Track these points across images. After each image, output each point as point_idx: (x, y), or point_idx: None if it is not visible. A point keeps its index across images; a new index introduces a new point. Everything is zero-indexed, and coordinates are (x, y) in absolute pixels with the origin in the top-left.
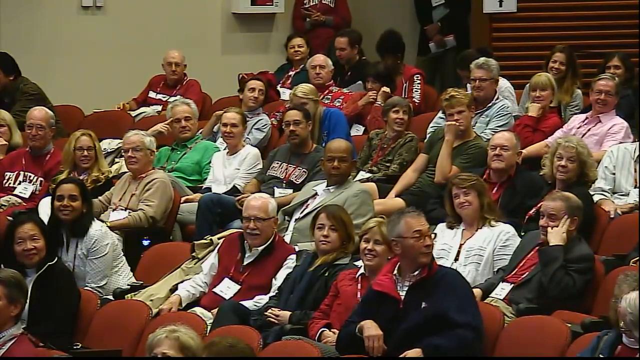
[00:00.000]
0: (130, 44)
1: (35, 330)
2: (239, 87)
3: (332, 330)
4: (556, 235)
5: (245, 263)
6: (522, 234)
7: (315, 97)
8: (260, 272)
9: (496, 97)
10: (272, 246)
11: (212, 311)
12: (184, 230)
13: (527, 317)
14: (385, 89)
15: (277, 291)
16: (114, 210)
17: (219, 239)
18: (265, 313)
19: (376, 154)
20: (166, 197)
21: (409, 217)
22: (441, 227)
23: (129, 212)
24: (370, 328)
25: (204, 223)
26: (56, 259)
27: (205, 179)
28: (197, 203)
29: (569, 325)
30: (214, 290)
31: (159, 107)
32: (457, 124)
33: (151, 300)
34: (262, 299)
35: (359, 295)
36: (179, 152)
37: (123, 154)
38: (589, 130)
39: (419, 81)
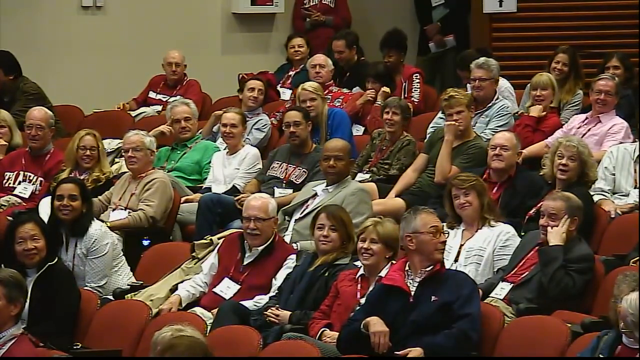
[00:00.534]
0: (130, 44)
1: (36, 330)
2: (239, 87)
3: (333, 330)
4: (556, 235)
5: (245, 263)
6: (522, 234)
7: (322, 95)
8: (260, 272)
9: (496, 97)
10: (272, 246)
11: (212, 311)
12: (184, 230)
13: (527, 317)
14: (385, 89)
15: (277, 291)
16: (113, 210)
17: (219, 239)
18: (265, 313)
19: (375, 155)
20: (166, 197)
21: (424, 214)
22: (445, 228)
23: (129, 212)
24: (376, 324)
25: (204, 223)
26: (56, 259)
27: (205, 178)
28: (197, 203)
29: (569, 325)
30: (214, 290)
31: (159, 107)
32: (457, 124)
33: (151, 300)
34: (262, 299)
35: (358, 296)
36: (178, 152)
37: (123, 153)
38: (589, 130)
39: (418, 80)
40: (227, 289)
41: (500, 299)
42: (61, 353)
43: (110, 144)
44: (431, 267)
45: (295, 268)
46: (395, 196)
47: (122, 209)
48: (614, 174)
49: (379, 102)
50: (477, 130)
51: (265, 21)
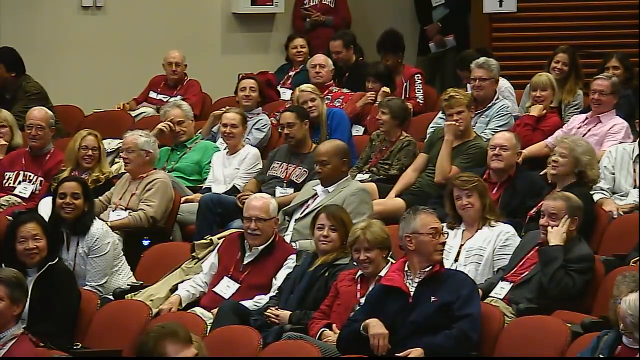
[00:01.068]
0: (130, 44)
1: (36, 329)
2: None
3: (333, 330)
4: (556, 235)
5: (245, 262)
6: (522, 234)
7: (320, 95)
8: (260, 272)
9: (496, 97)
10: (273, 246)
11: (212, 311)
12: (184, 230)
13: (527, 317)
14: (385, 89)
15: (277, 291)
16: (114, 210)
17: (219, 239)
18: (265, 313)
19: (375, 156)
20: (167, 197)
21: (424, 214)
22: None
23: (129, 212)
24: (375, 326)
25: (204, 223)
26: (57, 259)
27: (205, 178)
28: (197, 203)
29: (569, 325)
30: (214, 289)
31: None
32: (457, 124)
33: (151, 300)
34: (262, 299)
35: (358, 295)
36: (178, 152)
37: (120, 154)
38: (589, 130)
39: (419, 81)
40: (227, 288)
41: (500, 299)
42: (61, 353)
43: (110, 144)
44: (430, 267)
45: (295, 268)
46: (395, 196)
47: (122, 209)
48: (613, 174)
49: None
50: (477, 130)
51: (265, 21)
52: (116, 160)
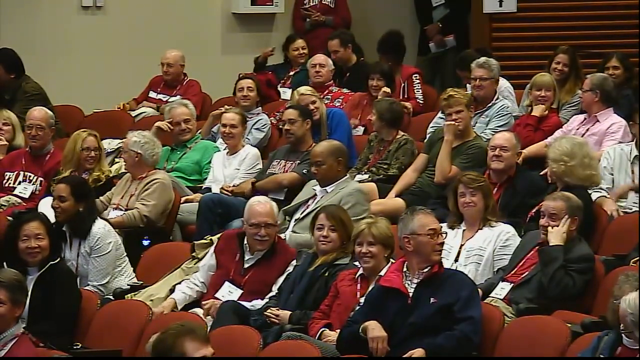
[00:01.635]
0: (130, 44)
1: (35, 329)
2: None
3: (333, 330)
4: (556, 235)
5: (246, 266)
6: (523, 234)
7: (319, 96)
8: (263, 276)
9: (496, 97)
10: (274, 248)
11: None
12: (184, 230)
13: (527, 317)
14: (386, 89)
15: (277, 291)
16: (113, 210)
17: (218, 239)
18: (265, 313)
19: (373, 156)
20: (165, 198)
21: (422, 215)
22: (443, 228)
23: (125, 211)
24: (374, 329)
25: (205, 223)
26: (59, 259)
27: (205, 178)
28: (197, 203)
29: (569, 325)
30: (216, 295)
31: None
32: (456, 123)
33: (151, 300)
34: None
35: (358, 295)
36: (178, 152)
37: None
38: (587, 130)
39: (418, 81)
40: (229, 294)
41: (500, 299)
42: (61, 353)
43: (110, 144)
44: (429, 268)
45: (295, 268)
46: (395, 196)
47: (121, 209)
48: (612, 174)
49: None
50: (477, 130)
51: (265, 21)
52: (116, 160)
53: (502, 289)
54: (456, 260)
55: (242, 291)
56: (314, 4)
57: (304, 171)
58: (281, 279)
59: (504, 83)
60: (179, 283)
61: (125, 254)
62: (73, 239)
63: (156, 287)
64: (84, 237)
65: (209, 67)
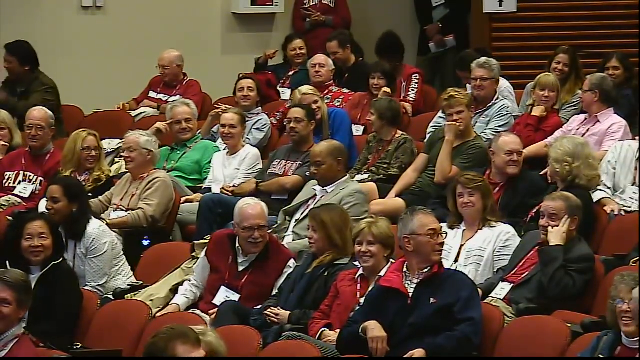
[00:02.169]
0: (130, 44)
1: (36, 329)
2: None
3: (333, 330)
4: (556, 235)
5: (240, 269)
6: (523, 234)
7: (320, 95)
8: (260, 280)
9: (496, 97)
10: (267, 249)
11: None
12: (184, 230)
13: (527, 317)
14: (386, 89)
15: (277, 291)
16: (114, 211)
17: (209, 241)
18: (265, 312)
19: (373, 156)
20: (167, 197)
21: (422, 215)
22: (443, 228)
23: (129, 211)
24: (374, 329)
25: (205, 223)
26: (61, 259)
27: (205, 178)
28: (197, 203)
29: (569, 325)
30: (213, 302)
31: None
32: (457, 124)
33: (151, 300)
34: None
35: (358, 295)
36: (178, 152)
37: (122, 154)
38: (587, 130)
39: (417, 80)
40: (227, 300)
41: (500, 299)
42: (61, 353)
43: (110, 144)
44: (429, 268)
45: (295, 268)
46: (395, 196)
47: (122, 210)
48: (615, 169)
49: None
50: (477, 130)
51: (265, 21)
52: (116, 160)
53: (502, 289)
54: (456, 260)
55: (239, 296)
56: (314, 4)
57: (307, 174)
58: (280, 281)
59: (504, 83)
60: (179, 283)
61: (122, 253)
62: (69, 240)
63: (156, 287)
64: (79, 238)
65: (209, 67)
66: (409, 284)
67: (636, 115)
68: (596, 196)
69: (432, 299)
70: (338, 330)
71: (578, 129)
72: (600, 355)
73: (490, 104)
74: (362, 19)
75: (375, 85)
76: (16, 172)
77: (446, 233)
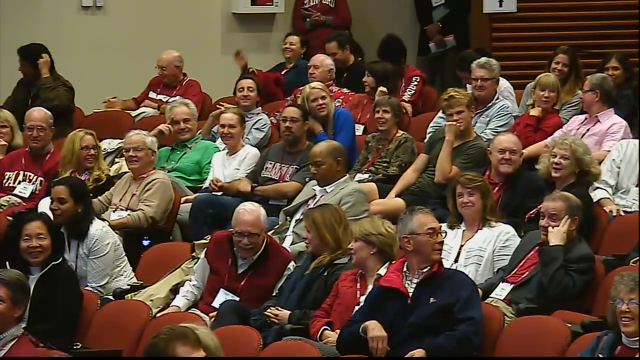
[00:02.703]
0: (130, 44)
1: (36, 329)
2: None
3: (333, 328)
4: (557, 235)
5: (240, 271)
6: (522, 234)
7: (330, 94)
8: (260, 282)
9: (496, 97)
10: (266, 251)
11: (209, 314)
12: (184, 230)
13: (527, 317)
14: (382, 88)
15: (277, 291)
16: (114, 211)
17: (209, 241)
18: (265, 313)
19: (372, 155)
20: (166, 197)
21: (420, 214)
22: (443, 227)
23: (129, 212)
24: (374, 329)
25: (195, 223)
26: (61, 259)
27: (205, 178)
28: None
29: (569, 325)
30: (213, 304)
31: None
32: (457, 124)
33: (151, 300)
34: None
35: (358, 294)
36: (178, 152)
37: (124, 153)
38: (588, 130)
39: (416, 82)
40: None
41: (500, 299)
42: (61, 353)
43: (110, 144)
44: (429, 268)
45: (295, 268)
46: (395, 196)
47: (122, 210)
48: (619, 167)
49: None
50: (477, 130)
51: (265, 21)
52: (116, 160)
53: (503, 290)
54: (456, 260)
55: (239, 298)
56: (314, 4)
57: (307, 179)
58: (280, 284)
59: (504, 83)
60: (179, 283)
61: (124, 254)
62: (71, 240)
63: (156, 287)
64: (82, 238)
65: (209, 67)
66: (409, 284)
67: (636, 116)
68: (596, 195)
69: (432, 298)
70: (338, 330)
71: (578, 129)
72: (600, 355)
73: (490, 104)
74: (362, 19)
75: (364, 82)
76: (16, 172)
77: (445, 232)
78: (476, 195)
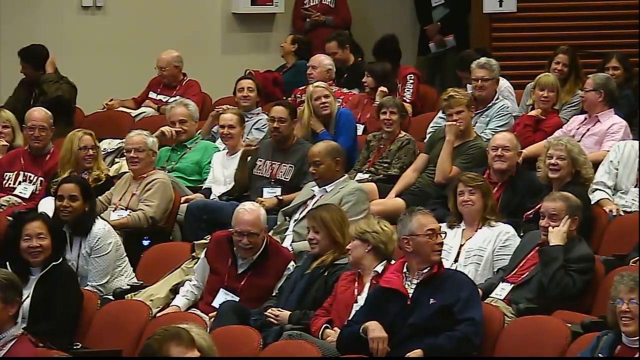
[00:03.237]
0: (130, 44)
1: (36, 329)
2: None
3: (334, 327)
4: (557, 235)
5: (240, 271)
6: (522, 234)
7: (333, 93)
8: (260, 282)
9: (496, 97)
10: (266, 251)
11: (209, 314)
12: (184, 230)
13: (527, 317)
14: (383, 88)
15: (277, 291)
16: (114, 210)
17: (209, 242)
18: (265, 313)
19: (373, 155)
20: (166, 197)
21: (420, 215)
22: (442, 228)
23: (129, 212)
24: (375, 330)
25: (189, 229)
26: (61, 259)
27: (205, 179)
28: None
29: (569, 325)
30: (213, 304)
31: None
32: (457, 124)
33: (151, 300)
34: None
35: (356, 293)
36: (178, 152)
37: (125, 153)
38: (588, 130)
39: (411, 81)
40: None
41: (500, 299)
42: (61, 353)
43: (110, 144)
44: (429, 268)
45: (295, 268)
46: (395, 196)
47: (122, 210)
48: (617, 169)
49: (377, 102)
50: (477, 130)
51: (265, 21)
52: (116, 160)
53: (503, 290)
54: (456, 260)
55: (238, 298)
56: (314, 4)
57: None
58: (280, 283)
59: (504, 83)
60: (179, 283)
61: (125, 254)
62: (74, 239)
63: (156, 287)
64: (85, 237)
65: (209, 67)
66: (408, 285)
67: (636, 116)
68: (595, 196)
69: (432, 299)
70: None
71: (578, 129)
72: (600, 355)
73: (490, 104)
74: (362, 19)
75: (363, 83)
76: (16, 172)
77: (445, 233)
78: (477, 194)
